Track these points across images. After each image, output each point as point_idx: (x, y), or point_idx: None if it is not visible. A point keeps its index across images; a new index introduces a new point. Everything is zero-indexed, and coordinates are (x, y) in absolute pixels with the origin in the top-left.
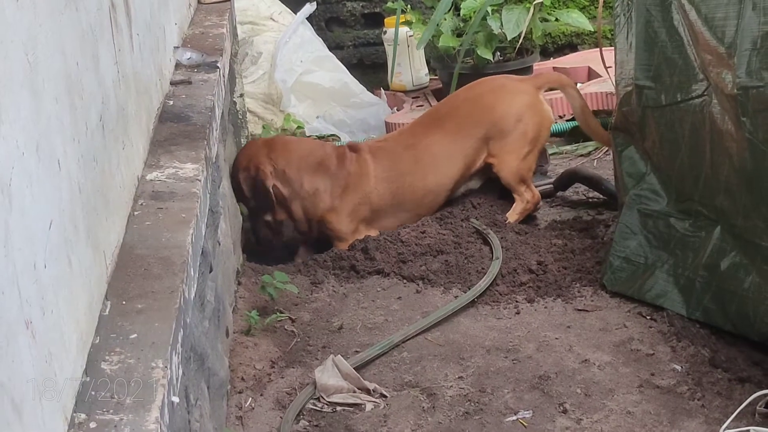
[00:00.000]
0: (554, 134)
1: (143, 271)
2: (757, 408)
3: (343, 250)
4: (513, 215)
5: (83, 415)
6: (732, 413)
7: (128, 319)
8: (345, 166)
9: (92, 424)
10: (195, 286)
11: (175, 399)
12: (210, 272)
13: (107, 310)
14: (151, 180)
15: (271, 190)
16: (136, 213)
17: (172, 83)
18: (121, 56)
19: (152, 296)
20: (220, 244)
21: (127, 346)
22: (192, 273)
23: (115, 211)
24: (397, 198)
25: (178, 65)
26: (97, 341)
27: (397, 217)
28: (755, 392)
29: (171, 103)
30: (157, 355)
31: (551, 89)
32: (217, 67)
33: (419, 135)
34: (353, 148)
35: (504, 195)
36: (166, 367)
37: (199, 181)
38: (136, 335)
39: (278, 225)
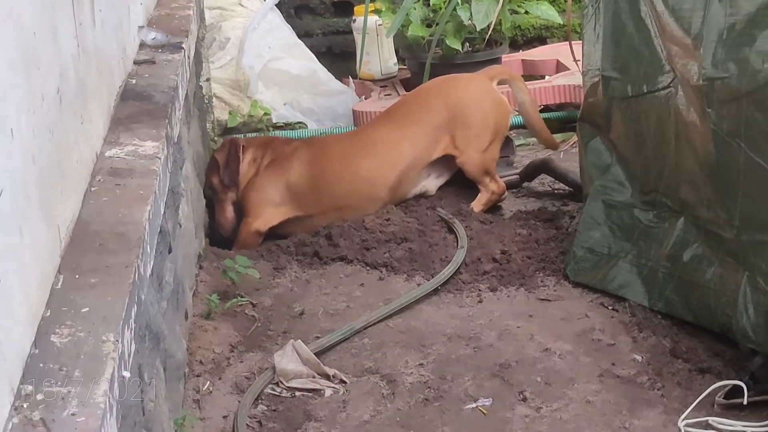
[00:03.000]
0: (519, 126)
1: (98, 246)
2: (717, 399)
3: (250, 227)
4: (478, 205)
5: (30, 387)
6: (691, 404)
7: (81, 292)
8: (276, 148)
9: (39, 396)
10: (151, 263)
11: (126, 374)
12: (169, 253)
13: (60, 284)
14: (110, 157)
15: (240, 156)
16: (93, 189)
17: (135, 62)
18: (81, 31)
19: (106, 271)
20: (181, 226)
21: (79, 320)
22: (148, 250)
23: (71, 186)
24: (319, 183)
25: (142, 45)
26: (48, 314)
27: (321, 205)
28: (715, 383)
29: (134, 81)
30: (109, 329)
31: (501, 82)
32: (182, 48)
33: (366, 126)
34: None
35: (470, 184)
36: (117, 341)
37: (159, 159)
38: (88, 309)
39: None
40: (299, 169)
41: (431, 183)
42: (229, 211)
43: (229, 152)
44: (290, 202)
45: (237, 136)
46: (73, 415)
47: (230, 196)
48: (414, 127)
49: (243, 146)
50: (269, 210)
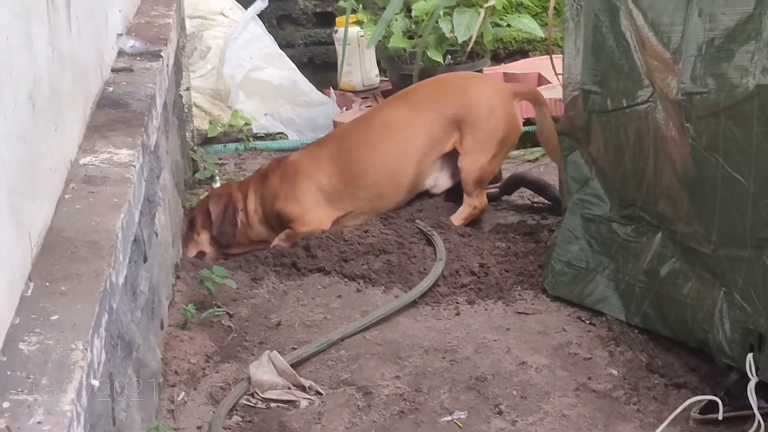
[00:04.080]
0: None
1: (70, 253)
2: (692, 414)
3: (297, 230)
4: (458, 219)
5: None
6: (667, 418)
7: (51, 300)
8: (284, 161)
9: (5, 404)
10: (124, 271)
11: (95, 382)
12: (145, 262)
13: (30, 291)
14: (85, 164)
15: (239, 222)
16: (67, 196)
17: (113, 70)
18: (57, 37)
19: (77, 279)
20: (157, 236)
21: (48, 327)
22: (121, 258)
23: (44, 193)
24: (347, 175)
25: (120, 53)
26: (17, 321)
27: (358, 197)
28: (690, 398)
29: (111, 89)
30: (78, 337)
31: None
32: (161, 57)
33: (374, 111)
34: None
35: (450, 197)
36: (86, 349)
37: (134, 167)
38: (57, 317)
39: (210, 249)
40: (326, 169)
41: (443, 178)
42: (191, 250)
43: (226, 211)
44: (328, 204)
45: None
46: (39, 423)
47: (203, 239)
48: (430, 115)
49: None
50: (317, 211)
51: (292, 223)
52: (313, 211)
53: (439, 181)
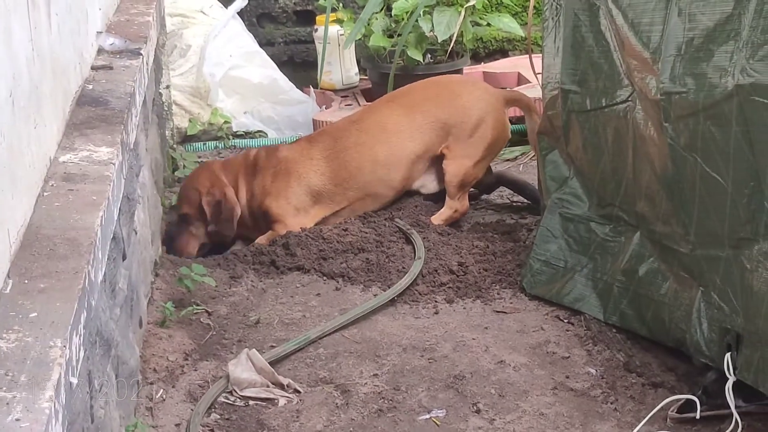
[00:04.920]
0: None
1: (49, 251)
2: (669, 413)
3: (279, 233)
4: (437, 219)
5: None
6: (644, 417)
7: (29, 297)
8: (275, 155)
9: None
10: (103, 269)
11: (74, 380)
12: (123, 260)
13: (8, 289)
14: (64, 162)
15: (236, 217)
16: (46, 193)
17: (93, 68)
18: (37, 35)
19: (56, 276)
20: (136, 233)
21: (26, 325)
22: (100, 255)
23: (22, 190)
24: (341, 175)
25: (100, 50)
26: None
27: (346, 197)
28: (668, 397)
29: (90, 87)
30: (57, 335)
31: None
32: (140, 54)
33: (368, 112)
34: (289, 144)
35: (429, 196)
36: (65, 346)
37: (113, 164)
38: (36, 314)
39: (205, 241)
40: (317, 168)
41: (431, 180)
42: (193, 246)
43: (220, 206)
44: (318, 203)
45: (217, 159)
46: (17, 420)
47: (200, 231)
48: (423, 118)
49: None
50: (300, 218)
51: (276, 224)
52: (299, 215)
53: (427, 182)
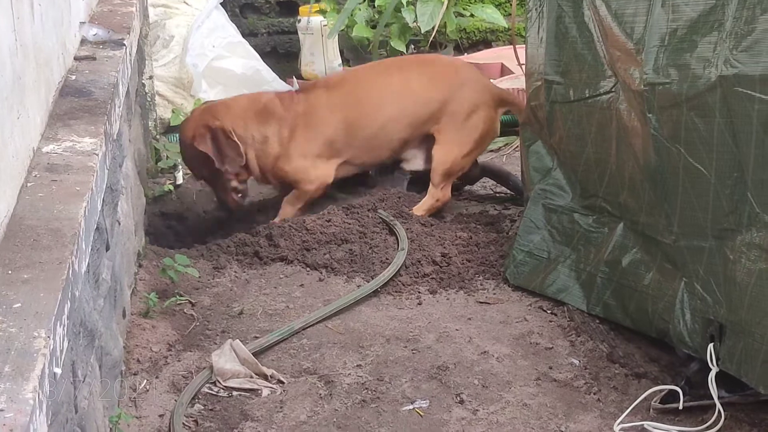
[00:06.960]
0: None
1: (32, 241)
2: (652, 403)
3: (309, 191)
4: (419, 210)
5: None
6: (627, 408)
7: (13, 288)
8: (292, 107)
9: None
10: (86, 260)
11: (57, 370)
12: (107, 250)
13: None
14: (48, 152)
15: (236, 140)
16: (29, 184)
17: (76, 58)
18: (20, 25)
19: (40, 267)
20: (119, 224)
21: (10, 315)
22: (83, 246)
23: (6, 181)
24: (352, 129)
25: (83, 41)
26: None
27: (352, 147)
28: (651, 388)
29: (74, 77)
30: (41, 325)
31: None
32: (124, 45)
33: (383, 70)
34: (305, 88)
35: (412, 187)
36: (49, 337)
37: (97, 155)
38: (20, 304)
39: (244, 185)
40: (335, 118)
41: (419, 155)
42: (234, 198)
43: (217, 142)
44: (333, 153)
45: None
46: (1, 410)
47: (231, 180)
48: (430, 87)
49: (234, 126)
50: (313, 172)
51: (299, 183)
52: (318, 167)
53: (416, 156)
